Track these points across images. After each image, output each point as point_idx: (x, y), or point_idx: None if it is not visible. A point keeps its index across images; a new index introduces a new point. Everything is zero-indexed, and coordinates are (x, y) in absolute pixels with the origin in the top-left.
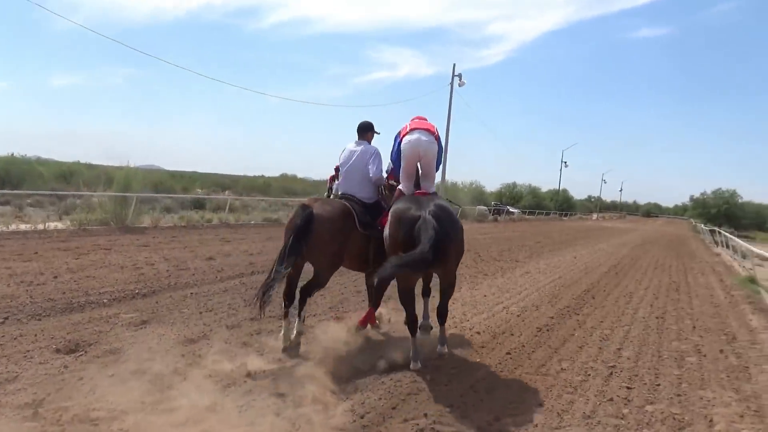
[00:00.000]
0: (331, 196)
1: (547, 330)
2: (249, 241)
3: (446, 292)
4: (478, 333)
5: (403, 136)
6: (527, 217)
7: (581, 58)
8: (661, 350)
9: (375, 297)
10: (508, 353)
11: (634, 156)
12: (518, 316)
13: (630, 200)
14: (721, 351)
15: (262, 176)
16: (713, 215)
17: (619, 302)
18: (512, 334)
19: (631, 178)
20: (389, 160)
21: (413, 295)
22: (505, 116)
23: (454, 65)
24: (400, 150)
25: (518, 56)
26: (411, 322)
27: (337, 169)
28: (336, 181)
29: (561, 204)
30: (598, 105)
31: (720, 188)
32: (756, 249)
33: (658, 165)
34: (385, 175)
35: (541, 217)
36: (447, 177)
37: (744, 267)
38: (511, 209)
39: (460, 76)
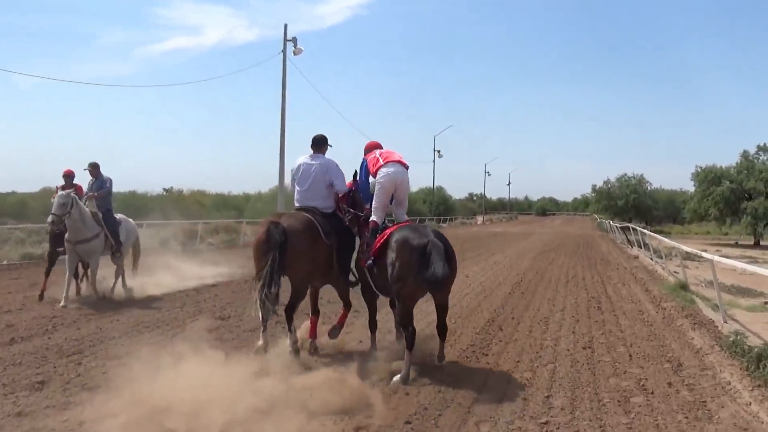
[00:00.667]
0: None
1: (453, 381)
2: (1, 290)
3: (444, 309)
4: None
5: (378, 168)
6: None
7: (449, 17)
8: (598, 392)
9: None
10: (408, 422)
11: (522, 141)
12: None
13: (521, 196)
14: (670, 384)
15: (14, 192)
16: (620, 208)
17: (533, 332)
18: (407, 394)
19: (520, 168)
20: (352, 178)
21: (412, 314)
22: (356, 94)
23: (286, 26)
24: (375, 180)
25: (366, 13)
26: (411, 335)
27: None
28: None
29: (438, 206)
30: (474, 78)
31: (625, 174)
32: (684, 247)
33: (551, 151)
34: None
35: None
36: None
37: (669, 270)
38: None
39: (294, 41)
